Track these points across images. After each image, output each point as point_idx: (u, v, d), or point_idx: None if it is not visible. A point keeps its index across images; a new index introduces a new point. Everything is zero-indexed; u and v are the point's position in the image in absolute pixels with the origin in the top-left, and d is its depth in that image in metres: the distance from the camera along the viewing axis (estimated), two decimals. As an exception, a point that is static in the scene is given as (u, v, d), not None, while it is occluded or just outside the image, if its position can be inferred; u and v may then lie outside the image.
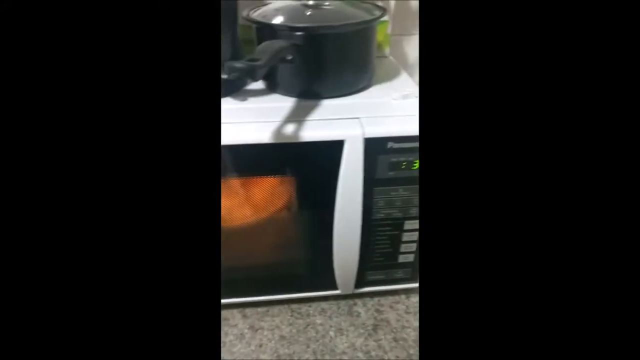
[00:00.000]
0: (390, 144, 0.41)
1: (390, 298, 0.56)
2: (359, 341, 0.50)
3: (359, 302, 0.56)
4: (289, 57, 0.42)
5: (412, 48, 0.71)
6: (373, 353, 0.49)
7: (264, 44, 0.36)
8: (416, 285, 0.54)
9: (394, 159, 0.42)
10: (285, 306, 0.55)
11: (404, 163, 0.43)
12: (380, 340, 0.50)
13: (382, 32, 0.60)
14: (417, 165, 0.43)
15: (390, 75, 0.54)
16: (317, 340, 0.50)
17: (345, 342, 0.50)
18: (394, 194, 0.45)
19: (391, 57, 0.62)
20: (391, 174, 0.43)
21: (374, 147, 0.41)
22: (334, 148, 0.41)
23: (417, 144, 0.42)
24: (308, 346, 0.49)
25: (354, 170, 0.42)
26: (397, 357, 0.48)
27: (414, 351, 0.49)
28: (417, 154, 0.42)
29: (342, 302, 0.55)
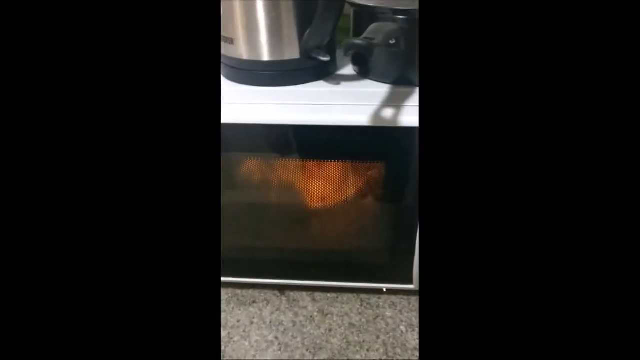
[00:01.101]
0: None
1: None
2: (431, 339, 0.49)
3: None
4: (392, 42, 0.41)
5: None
6: (446, 353, 0.47)
7: (375, 24, 0.36)
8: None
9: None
10: (355, 295, 0.54)
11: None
12: (453, 341, 0.49)
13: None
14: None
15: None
16: (388, 333, 0.49)
17: (416, 339, 0.49)
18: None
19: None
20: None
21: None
22: (410, 135, 0.39)
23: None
24: (378, 337, 0.49)
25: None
26: None
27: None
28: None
29: (413, 298, 0.54)
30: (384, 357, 0.46)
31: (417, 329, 0.50)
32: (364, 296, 0.54)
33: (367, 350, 0.47)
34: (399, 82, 0.45)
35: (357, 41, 0.30)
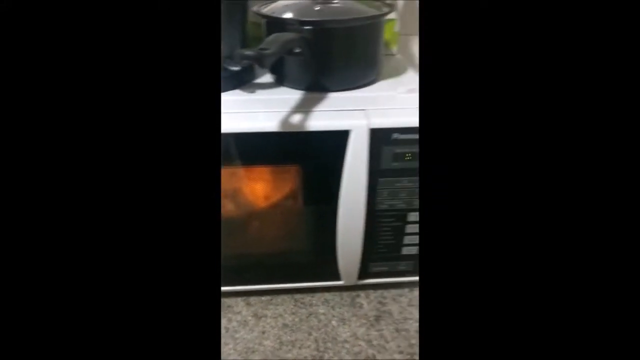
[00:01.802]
0: (395, 135, 0.42)
1: (394, 291, 0.57)
2: (361, 331, 0.51)
3: (362, 293, 0.56)
4: (297, 50, 0.43)
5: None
6: (375, 342, 0.50)
7: (273, 35, 0.38)
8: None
9: (399, 150, 0.43)
10: (289, 296, 0.56)
11: (409, 154, 0.44)
12: (382, 330, 0.51)
13: (390, 30, 0.61)
14: (420, 157, 0.44)
15: (397, 72, 0.55)
16: (320, 329, 0.51)
17: (348, 332, 0.51)
18: (397, 185, 0.46)
19: (399, 56, 0.63)
20: (395, 165, 0.44)
21: (379, 138, 0.42)
22: (340, 138, 0.42)
23: (421, 136, 0.43)
24: (310, 334, 0.50)
25: (359, 160, 0.43)
26: (399, 346, 0.49)
27: (416, 341, 0.50)
28: (420, 146, 0.43)
29: (345, 294, 0.56)
30: (315, 352, 0.48)
31: (347, 322, 0.52)
32: (298, 296, 0.56)
33: (299, 348, 0.49)
34: (312, 88, 0.48)
35: (248, 52, 0.32)
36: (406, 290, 0.57)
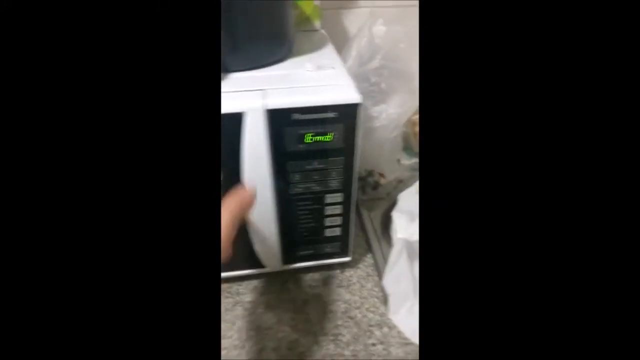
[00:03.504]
0: (295, 116, 0.41)
1: (325, 273, 0.56)
2: (287, 316, 0.50)
3: (291, 278, 0.56)
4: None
5: (348, 22, 0.69)
6: (300, 326, 0.49)
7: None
8: (349, 259, 0.54)
9: (302, 131, 0.42)
10: (217, 286, 0.54)
11: (311, 135, 0.42)
12: (308, 314, 0.51)
13: (309, 4, 0.58)
14: (329, 136, 0.42)
15: (314, 48, 0.53)
16: (244, 317, 0.50)
17: (273, 318, 0.50)
18: (309, 167, 0.45)
19: (322, 31, 0.61)
20: (302, 146, 0.43)
21: (278, 120, 0.41)
22: (234, 122, 0.40)
23: (325, 115, 0.41)
24: (234, 324, 0.49)
25: (257, 143, 0.41)
26: (323, 328, 0.49)
27: (342, 322, 0.49)
28: (326, 126, 0.42)
29: (275, 280, 0.55)
30: (237, 342, 0.47)
31: (274, 309, 0.51)
32: (225, 285, 0.54)
33: (222, 338, 0.48)
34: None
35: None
36: (337, 271, 0.57)
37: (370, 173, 0.66)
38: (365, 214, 0.65)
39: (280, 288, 0.54)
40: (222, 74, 0.44)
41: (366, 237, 0.62)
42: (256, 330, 0.49)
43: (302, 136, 0.42)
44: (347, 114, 0.41)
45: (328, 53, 0.52)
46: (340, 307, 0.52)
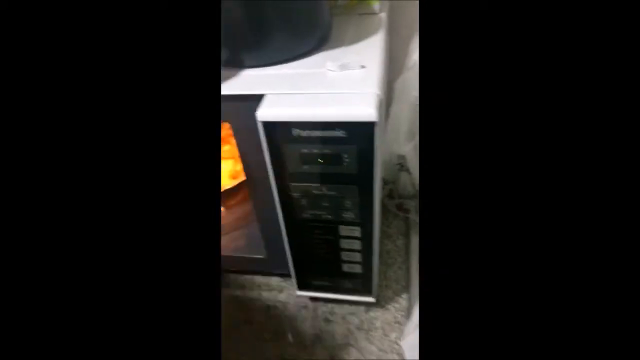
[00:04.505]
0: (295, 131, 0.32)
1: (348, 307, 0.48)
2: (289, 351, 0.44)
3: (310, 304, 0.49)
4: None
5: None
6: (298, 370, 0.42)
7: None
8: (372, 300, 0.45)
9: (304, 150, 0.33)
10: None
11: (316, 156, 0.33)
12: (313, 354, 0.43)
13: (368, -20, 0.47)
14: (338, 160, 0.33)
15: (360, 37, 0.42)
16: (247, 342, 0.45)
17: (274, 349, 0.44)
18: (317, 193, 0.36)
19: (382, 15, 0.49)
20: (306, 168, 0.34)
21: (277, 134, 0.32)
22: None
23: (331, 133, 0.31)
24: (231, 347, 0.45)
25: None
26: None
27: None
28: (334, 146, 0.32)
29: (294, 300, 0.49)
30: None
31: (279, 336, 0.45)
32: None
33: None
34: (225, 62, 0.38)
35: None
36: (361, 309, 0.48)
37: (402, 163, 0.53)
38: (413, 238, 0.54)
39: (296, 312, 0.48)
40: (233, 70, 0.37)
41: (408, 268, 0.51)
42: (250, 361, 0.44)
43: (307, 156, 0.33)
44: (359, 134, 0.31)
45: (374, 45, 0.41)
46: (351, 354, 0.43)
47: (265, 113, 0.32)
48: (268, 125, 0.32)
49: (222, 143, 0.59)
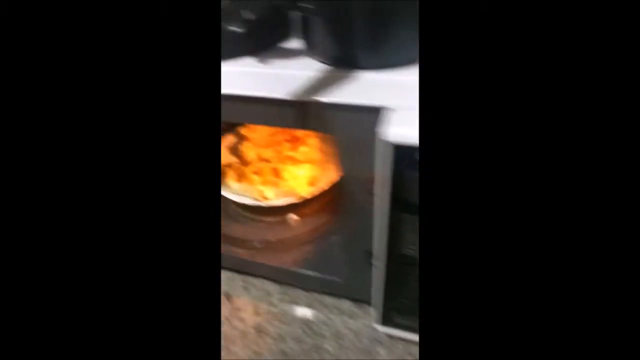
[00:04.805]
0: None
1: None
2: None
3: (386, 341, 0.43)
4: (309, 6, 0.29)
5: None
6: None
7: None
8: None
9: (433, 181, 0.27)
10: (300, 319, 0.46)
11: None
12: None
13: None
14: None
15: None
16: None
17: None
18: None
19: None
20: (428, 200, 0.28)
21: (403, 158, 0.27)
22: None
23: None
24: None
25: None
26: None
27: None
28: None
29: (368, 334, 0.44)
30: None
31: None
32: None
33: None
34: (338, 62, 0.33)
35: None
36: (446, 355, 0.42)
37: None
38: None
39: (368, 345, 0.43)
40: (347, 72, 0.32)
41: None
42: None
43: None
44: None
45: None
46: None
47: (397, 133, 0.26)
48: (399, 148, 0.26)
49: (299, 143, 0.54)
